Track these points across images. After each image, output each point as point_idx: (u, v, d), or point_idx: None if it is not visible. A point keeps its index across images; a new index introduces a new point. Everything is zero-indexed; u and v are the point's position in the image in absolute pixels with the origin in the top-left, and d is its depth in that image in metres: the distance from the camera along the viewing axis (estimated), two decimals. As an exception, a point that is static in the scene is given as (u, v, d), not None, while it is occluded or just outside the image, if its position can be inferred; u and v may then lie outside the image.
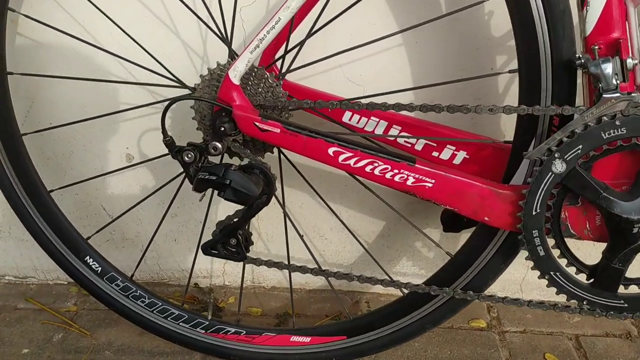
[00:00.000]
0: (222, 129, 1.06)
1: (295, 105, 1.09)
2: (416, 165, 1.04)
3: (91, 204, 1.60)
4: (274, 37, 1.02)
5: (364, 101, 1.07)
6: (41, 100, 1.46)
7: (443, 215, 1.32)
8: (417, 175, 1.05)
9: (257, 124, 1.06)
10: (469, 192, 1.05)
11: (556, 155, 0.96)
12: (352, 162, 1.06)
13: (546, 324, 1.55)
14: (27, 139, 1.31)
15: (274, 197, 1.12)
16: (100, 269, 1.36)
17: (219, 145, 1.07)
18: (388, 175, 1.06)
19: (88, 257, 1.36)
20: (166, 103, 1.08)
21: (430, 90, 1.34)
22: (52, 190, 1.34)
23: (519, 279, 1.61)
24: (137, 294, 1.37)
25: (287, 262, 1.26)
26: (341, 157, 1.06)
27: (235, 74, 1.05)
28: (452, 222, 1.29)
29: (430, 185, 1.05)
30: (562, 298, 1.08)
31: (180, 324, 1.36)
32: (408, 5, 1.28)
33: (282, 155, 1.28)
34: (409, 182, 1.06)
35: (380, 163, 1.05)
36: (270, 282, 1.70)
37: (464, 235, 1.50)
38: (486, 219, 1.07)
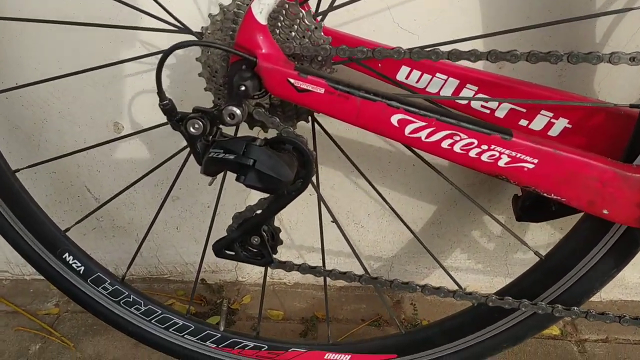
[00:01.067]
0: (242, 87, 0.75)
1: (345, 54, 0.78)
2: (513, 139, 0.75)
3: (72, 185, 1.31)
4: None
5: (443, 49, 0.76)
6: (3, 53, 1.14)
7: (521, 200, 1.03)
8: (513, 153, 0.77)
9: (291, 80, 0.76)
10: (585, 175, 0.77)
11: None
12: (423, 134, 0.77)
13: (632, 331, 1.27)
14: (-15, 104, 1.01)
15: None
16: (82, 268, 1.08)
17: (238, 111, 0.77)
18: (473, 154, 0.78)
19: (67, 254, 1.07)
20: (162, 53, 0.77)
21: (504, 38, 1.02)
22: (17, 170, 1.04)
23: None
24: (131, 300, 1.09)
25: (322, 265, 0.98)
26: (409, 128, 0.77)
27: (262, 9, 0.74)
28: (533, 210, 1.01)
29: (531, 166, 0.77)
30: None
31: (186, 336, 1.10)
32: None
33: (316, 125, 0.97)
34: (501, 163, 0.78)
35: (463, 136, 0.76)
36: (292, 277, 1.42)
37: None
38: (605, 212, 0.80)
